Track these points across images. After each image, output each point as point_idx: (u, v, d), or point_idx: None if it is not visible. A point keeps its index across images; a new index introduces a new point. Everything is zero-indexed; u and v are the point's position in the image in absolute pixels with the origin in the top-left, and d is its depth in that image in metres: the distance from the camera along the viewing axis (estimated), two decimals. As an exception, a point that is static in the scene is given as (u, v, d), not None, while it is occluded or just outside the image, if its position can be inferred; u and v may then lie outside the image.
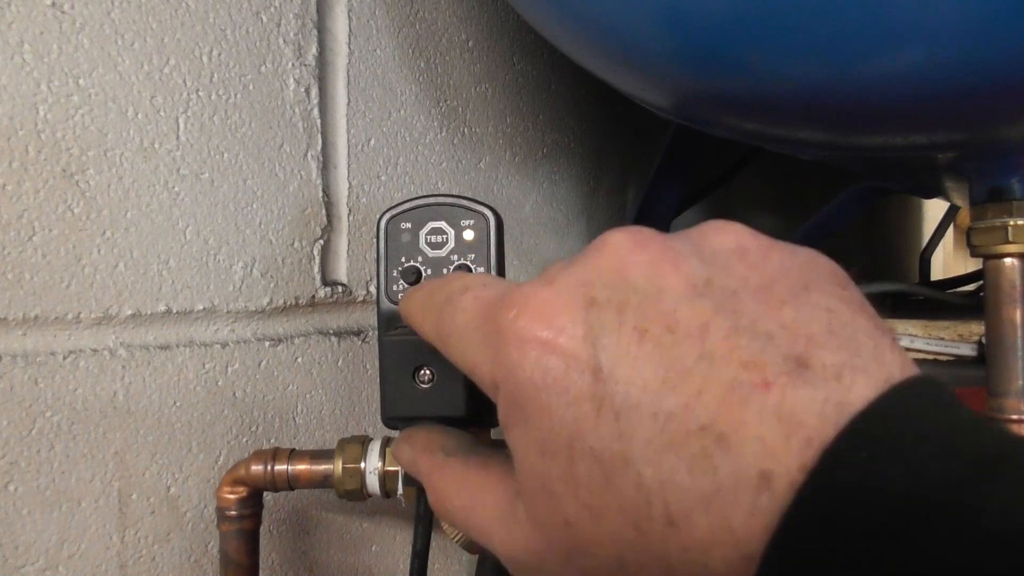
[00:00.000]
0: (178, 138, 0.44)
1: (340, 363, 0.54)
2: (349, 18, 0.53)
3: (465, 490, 0.24)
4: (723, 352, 0.18)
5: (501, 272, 0.36)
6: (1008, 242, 0.41)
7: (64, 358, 0.40)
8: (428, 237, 0.36)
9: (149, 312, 0.43)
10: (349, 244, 0.54)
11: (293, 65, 0.50)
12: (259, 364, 0.49)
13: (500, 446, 0.24)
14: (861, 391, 0.17)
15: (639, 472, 0.18)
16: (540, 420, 0.20)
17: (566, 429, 0.19)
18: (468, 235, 0.35)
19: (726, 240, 0.21)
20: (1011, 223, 0.41)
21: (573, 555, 0.20)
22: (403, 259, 0.35)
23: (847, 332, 0.18)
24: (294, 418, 0.51)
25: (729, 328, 0.18)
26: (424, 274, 0.35)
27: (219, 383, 0.47)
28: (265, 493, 0.43)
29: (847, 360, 0.18)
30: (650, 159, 0.73)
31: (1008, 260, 0.42)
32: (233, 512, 0.42)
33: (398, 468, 0.40)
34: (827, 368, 0.17)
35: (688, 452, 0.17)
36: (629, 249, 0.20)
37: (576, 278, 0.20)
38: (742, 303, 0.19)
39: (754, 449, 0.17)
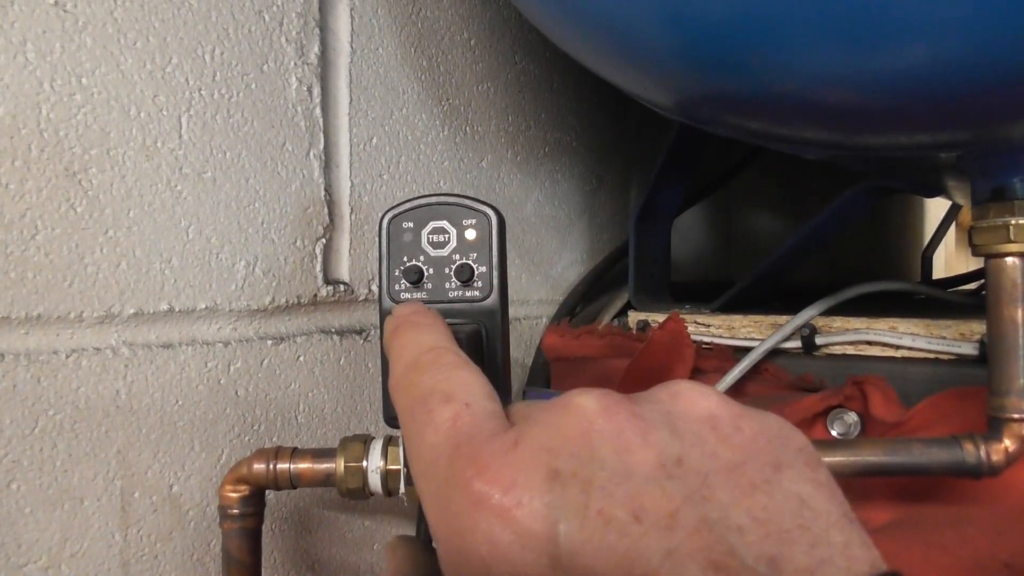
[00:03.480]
0: (180, 137, 0.44)
1: (342, 362, 0.54)
2: (351, 17, 0.53)
3: None
4: (690, 551, 0.17)
5: (503, 272, 0.36)
6: (1010, 241, 0.41)
7: (67, 357, 0.40)
8: (430, 236, 0.36)
9: (151, 311, 0.43)
10: (351, 243, 0.54)
11: (295, 64, 0.50)
12: (261, 363, 0.49)
13: None
14: None
15: None
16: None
17: None
18: (470, 234, 0.35)
19: (698, 408, 0.20)
20: (1013, 222, 0.41)
21: None
22: (405, 258, 0.35)
23: (819, 526, 0.18)
24: (296, 417, 0.51)
25: (698, 520, 0.17)
26: (426, 273, 0.35)
27: (221, 382, 0.47)
28: (267, 492, 0.43)
29: (819, 559, 0.17)
30: (653, 158, 0.73)
31: (1010, 259, 0.41)
32: (235, 510, 0.42)
33: (400, 467, 0.40)
34: (799, 570, 0.17)
35: None
36: (596, 415, 0.19)
37: (541, 443, 0.19)
38: (712, 489, 0.18)
39: None
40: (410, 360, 0.24)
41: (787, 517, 0.18)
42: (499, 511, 0.18)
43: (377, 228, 0.36)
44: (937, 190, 0.55)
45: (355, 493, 0.41)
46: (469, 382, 0.23)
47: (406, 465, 0.36)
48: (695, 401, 0.20)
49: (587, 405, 0.20)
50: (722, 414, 0.20)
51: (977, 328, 0.51)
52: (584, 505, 0.18)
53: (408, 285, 0.35)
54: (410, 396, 0.23)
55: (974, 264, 0.87)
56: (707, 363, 0.59)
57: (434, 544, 0.21)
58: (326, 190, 0.52)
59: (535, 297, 0.73)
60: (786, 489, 0.18)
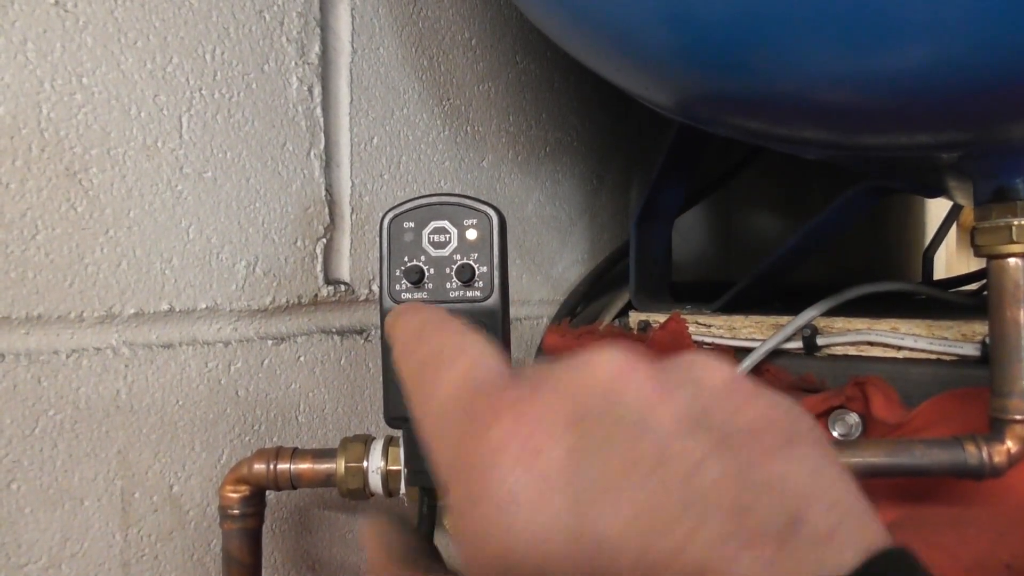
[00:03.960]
0: (181, 137, 0.44)
1: (343, 362, 0.54)
2: (352, 17, 0.53)
3: None
4: (715, 498, 0.17)
5: (503, 271, 0.36)
6: (1012, 242, 0.41)
7: (67, 357, 0.40)
8: (431, 236, 0.36)
9: (152, 311, 0.43)
10: (352, 243, 0.54)
11: (296, 64, 0.50)
12: (262, 363, 0.49)
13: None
14: (850, 556, 0.16)
15: None
16: (502, 539, 0.18)
17: (531, 559, 0.17)
18: (471, 234, 0.35)
19: (715, 377, 0.20)
20: (1015, 223, 0.41)
21: None
22: (406, 258, 0.35)
23: (834, 494, 0.18)
24: (297, 417, 0.51)
25: (720, 473, 0.17)
26: (427, 273, 0.35)
27: (222, 382, 0.47)
28: (268, 492, 0.43)
29: (835, 522, 0.17)
30: (653, 158, 0.73)
31: (1012, 260, 0.41)
32: (236, 511, 0.42)
33: (400, 467, 0.40)
34: (819, 529, 0.17)
35: None
36: (620, 371, 0.19)
37: (564, 389, 0.19)
38: (733, 448, 0.18)
39: None
40: (414, 331, 0.24)
41: (803, 482, 0.18)
42: (520, 458, 0.18)
43: (378, 228, 0.36)
44: (938, 190, 0.55)
45: (356, 493, 0.41)
46: (478, 340, 0.22)
47: (407, 465, 0.36)
48: (713, 369, 0.20)
49: (609, 359, 0.20)
50: (739, 387, 0.20)
51: (979, 329, 0.51)
52: (607, 452, 0.17)
53: (409, 285, 0.35)
54: (416, 359, 0.23)
55: (975, 265, 0.86)
56: (708, 363, 0.59)
57: (445, 503, 0.20)
58: (327, 190, 0.52)
59: (536, 297, 0.73)
60: (801, 457, 0.18)
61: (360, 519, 0.28)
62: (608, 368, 0.19)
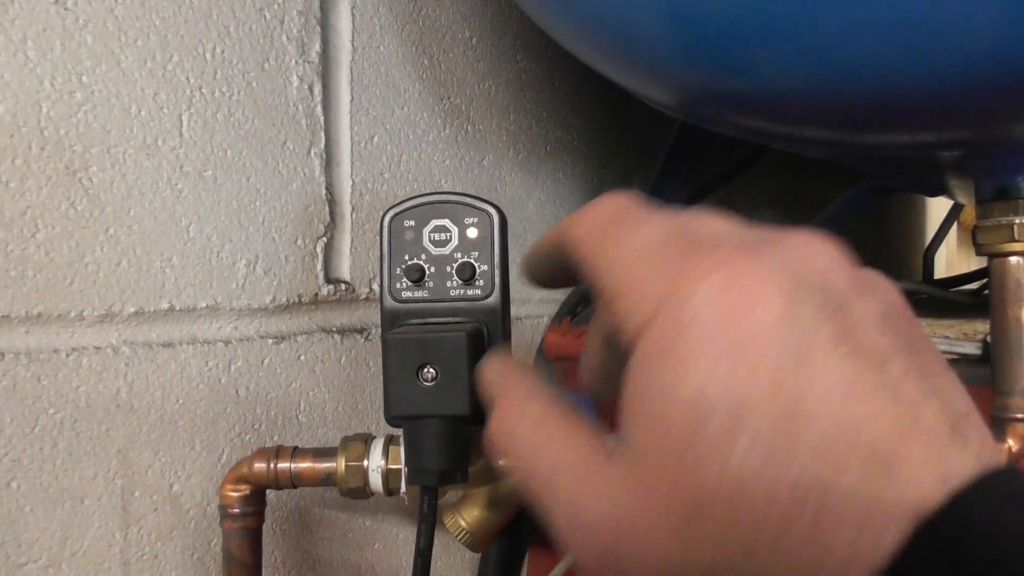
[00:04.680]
0: (181, 135, 0.44)
1: (343, 361, 0.54)
2: (352, 15, 0.53)
3: (574, 479, 0.21)
4: (902, 388, 0.18)
5: (505, 270, 0.36)
6: (1014, 240, 0.41)
7: (67, 356, 0.40)
8: (432, 235, 0.35)
9: (152, 309, 0.43)
10: (352, 242, 0.54)
11: (296, 62, 0.50)
12: (262, 362, 0.49)
13: None
14: (993, 461, 0.18)
15: (799, 474, 0.17)
16: (709, 370, 0.18)
17: (731, 395, 0.18)
18: (472, 233, 0.35)
19: (892, 293, 0.21)
20: (1017, 221, 0.41)
21: (692, 530, 0.18)
22: (407, 257, 0.35)
23: (975, 415, 0.19)
24: (297, 416, 0.51)
25: (905, 369, 0.19)
26: (428, 272, 0.35)
27: (222, 381, 0.47)
28: (268, 491, 0.43)
29: (982, 436, 0.19)
30: (654, 157, 0.73)
31: (1014, 259, 0.41)
32: (236, 510, 0.42)
33: (401, 466, 0.40)
34: (970, 440, 0.18)
35: (853, 472, 0.17)
36: (828, 256, 0.21)
37: (780, 260, 0.20)
38: (913, 352, 0.19)
39: (914, 490, 0.17)
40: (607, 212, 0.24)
41: (958, 398, 0.19)
42: (733, 311, 0.19)
43: (378, 227, 0.36)
44: (939, 189, 0.55)
45: (356, 492, 0.41)
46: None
47: (407, 464, 0.36)
48: (887, 287, 0.22)
49: (822, 247, 0.21)
50: (903, 308, 0.22)
51: (980, 327, 0.51)
52: (818, 323, 0.19)
53: (409, 284, 0.35)
54: (602, 219, 0.23)
55: (976, 264, 0.86)
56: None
57: (624, 327, 0.20)
58: (327, 188, 0.52)
59: (536, 296, 0.72)
60: (952, 380, 0.20)
61: (484, 362, 0.27)
62: (816, 249, 0.20)
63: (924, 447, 0.18)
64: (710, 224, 0.22)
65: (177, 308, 0.44)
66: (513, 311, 0.69)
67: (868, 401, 0.18)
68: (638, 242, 0.21)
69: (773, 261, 0.19)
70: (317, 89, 0.51)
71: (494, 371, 0.26)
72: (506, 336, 0.36)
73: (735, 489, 0.18)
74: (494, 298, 0.35)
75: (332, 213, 0.52)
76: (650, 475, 0.19)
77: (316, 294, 0.51)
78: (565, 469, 0.21)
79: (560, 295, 0.75)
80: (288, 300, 0.50)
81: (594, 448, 0.21)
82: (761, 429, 0.18)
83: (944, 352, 0.52)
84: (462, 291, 0.35)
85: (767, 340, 0.18)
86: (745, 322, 0.18)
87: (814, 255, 0.20)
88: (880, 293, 0.21)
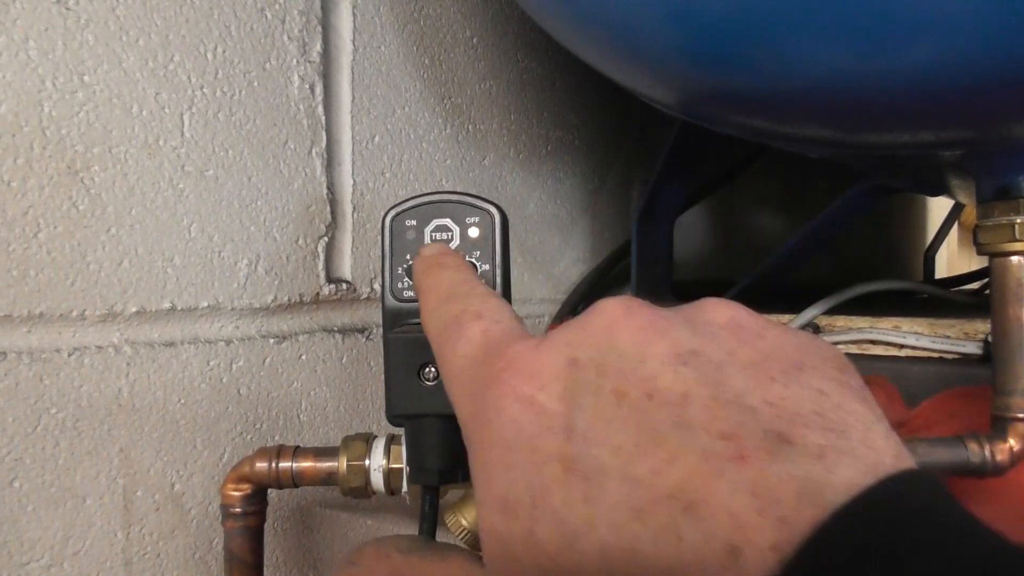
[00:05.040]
0: (183, 135, 0.44)
1: (344, 360, 0.54)
2: (353, 15, 0.53)
3: None
4: (701, 421, 0.17)
5: (506, 270, 0.36)
6: (1015, 240, 0.41)
7: (69, 355, 0.40)
8: (433, 235, 0.35)
9: (154, 309, 0.43)
10: (353, 241, 0.54)
11: (298, 62, 0.50)
12: (263, 361, 0.49)
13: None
14: (845, 474, 0.16)
15: (602, 539, 0.17)
16: (507, 476, 0.19)
17: (531, 488, 0.18)
18: (473, 232, 0.35)
19: (720, 315, 0.21)
20: (1018, 221, 0.41)
21: None
22: (408, 256, 0.35)
23: (837, 415, 0.18)
24: (298, 415, 0.51)
25: (710, 398, 0.18)
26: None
27: (223, 380, 0.47)
28: (269, 490, 0.43)
29: (832, 442, 0.17)
30: (655, 156, 0.73)
31: (1015, 258, 0.41)
32: (237, 509, 0.42)
33: (402, 465, 0.40)
34: (809, 447, 0.17)
35: (655, 520, 0.16)
36: (619, 315, 0.20)
37: (565, 339, 0.20)
38: (728, 376, 0.18)
39: (723, 521, 0.16)
40: (443, 293, 0.26)
41: (804, 404, 0.18)
42: (523, 397, 0.20)
43: (380, 226, 0.36)
44: (940, 189, 0.55)
45: (357, 492, 0.41)
46: (499, 306, 0.25)
47: (409, 464, 0.36)
48: (718, 309, 0.21)
49: (611, 306, 0.21)
50: (747, 322, 0.21)
51: (981, 327, 0.51)
52: (600, 385, 0.19)
53: (411, 283, 0.35)
54: (443, 319, 0.25)
55: (976, 263, 0.86)
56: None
57: (464, 437, 0.22)
58: (328, 188, 0.52)
59: (537, 296, 0.72)
60: (806, 383, 0.18)
61: (351, 556, 0.29)
62: (607, 315, 0.20)
63: (730, 483, 0.16)
64: (504, 330, 0.23)
65: (179, 308, 0.44)
66: (515, 310, 0.69)
67: (657, 451, 0.17)
68: (456, 359, 0.23)
69: (553, 346, 0.20)
70: (318, 89, 0.51)
71: (375, 567, 0.28)
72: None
73: None
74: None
75: (333, 212, 0.52)
76: None
77: (317, 293, 0.51)
78: None
79: (561, 295, 0.75)
80: (289, 300, 0.50)
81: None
82: (558, 514, 0.18)
83: (945, 352, 0.52)
84: (463, 290, 0.35)
85: (550, 426, 0.19)
86: (532, 416, 0.19)
87: (598, 320, 0.20)
88: (696, 324, 0.20)
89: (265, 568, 0.44)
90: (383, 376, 0.34)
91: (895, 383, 0.51)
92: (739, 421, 0.17)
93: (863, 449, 0.17)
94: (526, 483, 0.19)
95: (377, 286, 0.55)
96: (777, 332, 0.20)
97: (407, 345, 0.32)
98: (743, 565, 0.15)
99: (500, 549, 0.19)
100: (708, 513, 0.16)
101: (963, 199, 0.55)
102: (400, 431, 0.39)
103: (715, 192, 0.85)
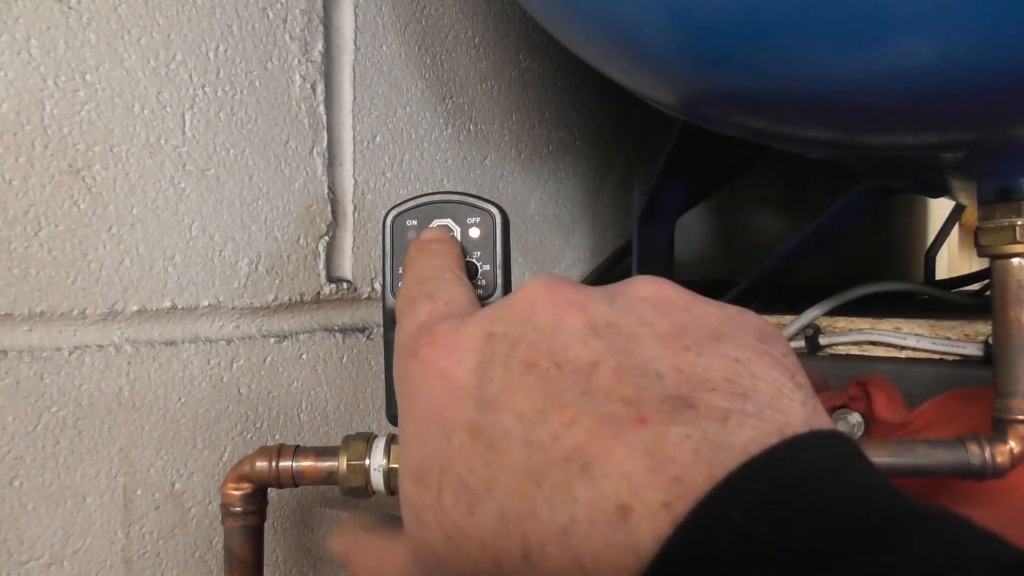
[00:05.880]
0: (184, 134, 0.44)
1: (345, 360, 0.54)
2: (355, 14, 0.53)
3: (374, 559, 0.24)
4: (605, 388, 0.17)
5: (507, 270, 0.36)
6: (1016, 242, 0.41)
7: (69, 354, 0.40)
8: (434, 234, 0.35)
9: (154, 308, 0.43)
10: (354, 241, 0.54)
11: (299, 61, 0.50)
12: (264, 360, 0.49)
13: None
14: (747, 434, 0.16)
15: (502, 502, 0.17)
16: (420, 446, 0.20)
17: (440, 456, 0.19)
18: (474, 233, 0.35)
19: (644, 289, 0.21)
20: (1019, 223, 0.41)
21: None
22: (409, 256, 0.35)
23: (748, 381, 0.17)
24: (298, 415, 0.51)
25: (616, 366, 0.18)
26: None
27: (224, 379, 0.47)
28: (269, 489, 0.43)
29: (738, 405, 0.17)
30: (656, 157, 0.73)
31: (1016, 260, 0.41)
32: (238, 508, 0.42)
33: (403, 465, 0.40)
34: (712, 410, 0.17)
35: (550, 482, 0.17)
36: (540, 291, 0.20)
37: (488, 316, 0.21)
38: (640, 346, 0.18)
39: (616, 482, 0.16)
40: (416, 276, 0.27)
41: (714, 371, 0.18)
42: (438, 370, 0.20)
43: (380, 226, 0.36)
44: (941, 190, 0.55)
45: (357, 491, 0.41)
46: (456, 291, 0.25)
47: None
48: (642, 284, 0.21)
49: (534, 283, 0.21)
50: (671, 296, 0.21)
51: (982, 329, 0.51)
52: (510, 356, 0.19)
53: (412, 283, 0.35)
54: (403, 300, 0.25)
55: (977, 265, 0.86)
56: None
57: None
58: (329, 188, 0.52)
59: (538, 296, 0.72)
60: (721, 352, 0.18)
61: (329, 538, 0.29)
62: (528, 291, 0.21)
63: (627, 444, 0.16)
64: (445, 312, 0.24)
65: (179, 307, 0.44)
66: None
67: (557, 416, 0.17)
68: (400, 339, 0.24)
69: (474, 323, 0.21)
70: (320, 88, 0.51)
71: (338, 544, 0.28)
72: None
73: (454, 546, 0.18)
74: (496, 298, 0.35)
75: (334, 212, 0.52)
76: (412, 549, 0.20)
77: (318, 293, 0.51)
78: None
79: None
80: (290, 299, 0.50)
81: (406, 549, 0.23)
82: (463, 480, 0.18)
83: (946, 353, 0.52)
84: (464, 291, 0.35)
85: (468, 394, 0.19)
86: (447, 388, 0.20)
87: (519, 298, 0.21)
88: (616, 298, 0.20)
89: (265, 567, 0.44)
90: (383, 376, 0.34)
91: (896, 384, 0.51)
92: (643, 386, 0.17)
93: (770, 412, 0.17)
94: (436, 452, 0.19)
95: (378, 286, 0.55)
96: (702, 305, 0.20)
97: (408, 345, 0.32)
98: (633, 523, 0.15)
99: (413, 517, 0.20)
100: (601, 473, 0.16)
101: (964, 200, 0.55)
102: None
103: (716, 192, 0.85)
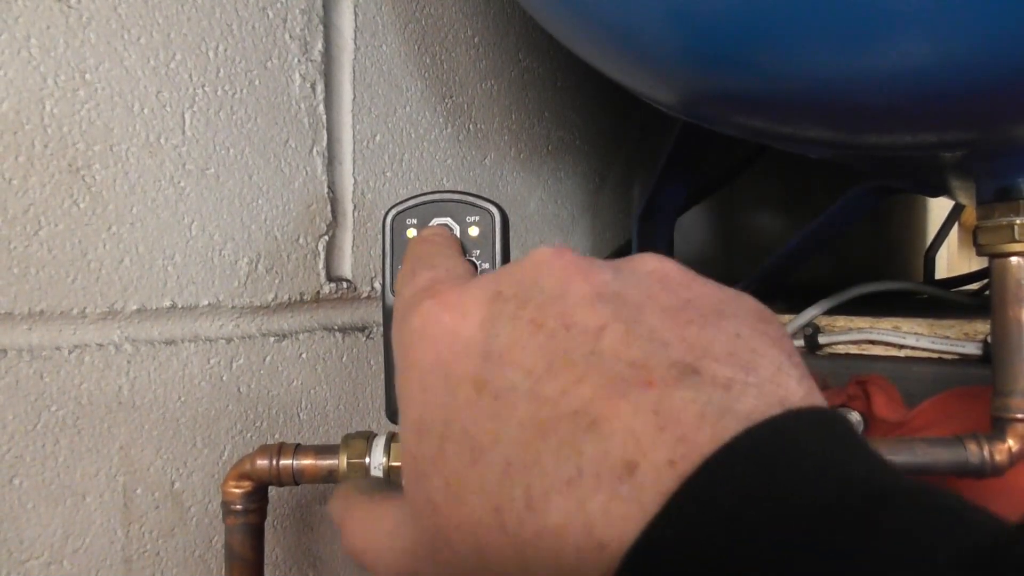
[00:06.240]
0: (184, 133, 0.44)
1: (344, 359, 0.54)
2: (355, 14, 0.53)
3: (366, 521, 0.24)
4: (613, 350, 0.18)
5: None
6: (1015, 241, 0.41)
7: (69, 353, 0.40)
8: (434, 233, 0.35)
9: (154, 307, 0.43)
10: (354, 240, 0.54)
11: (299, 60, 0.50)
12: (264, 359, 0.49)
13: None
14: (750, 403, 0.17)
15: (507, 453, 0.18)
16: (422, 398, 0.20)
17: (444, 408, 0.19)
18: (473, 232, 0.35)
19: (649, 264, 0.21)
20: (1018, 222, 0.41)
21: (437, 545, 0.19)
22: (409, 255, 0.35)
23: (749, 356, 0.18)
24: (298, 414, 0.51)
25: (624, 332, 0.18)
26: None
27: (224, 378, 0.47)
28: (270, 488, 0.43)
29: (740, 376, 0.17)
30: (656, 156, 0.73)
31: (1015, 259, 0.41)
32: (238, 506, 0.42)
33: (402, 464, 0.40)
34: (717, 378, 0.17)
35: (557, 436, 0.17)
36: (547, 258, 0.21)
37: (493, 278, 0.21)
38: (645, 315, 0.19)
39: (623, 439, 0.16)
40: (415, 260, 0.27)
41: (717, 345, 0.18)
42: (442, 323, 0.20)
43: (380, 225, 0.36)
44: (941, 190, 0.55)
45: (357, 490, 0.41)
46: (457, 262, 0.26)
47: None
48: (647, 260, 0.21)
49: (541, 251, 0.21)
50: (673, 274, 0.21)
51: (981, 328, 0.51)
52: (518, 315, 0.19)
53: (411, 282, 0.35)
54: (403, 273, 0.25)
55: (976, 264, 0.86)
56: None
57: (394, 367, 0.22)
58: (329, 187, 0.52)
59: (537, 295, 0.72)
60: (723, 327, 0.19)
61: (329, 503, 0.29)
62: (536, 256, 0.21)
63: (634, 403, 0.17)
64: (444, 277, 0.24)
65: (179, 306, 0.44)
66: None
67: (565, 373, 0.18)
68: (401, 301, 0.23)
69: (479, 283, 0.21)
70: (319, 87, 0.51)
71: (333, 507, 0.28)
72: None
73: (453, 495, 0.18)
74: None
75: (334, 211, 0.53)
76: (410, 502, 0.21)
77: (318, 292, 0.52)
78: (381, 542, 0.23)
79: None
80: (290, 298, 0.50)
81: (400, 510, 0.22)
82: (467, 431, 0.18)
83: (945, 352, 0.52)
84: (464, 290, 0.35)
85: (467, 350, 0.19)
86: (451, 345, 0.20)
87: (526, 263, 0.21)
88: (622, 270, 0.21)
89: (265, 566, 0.44)
90: (383, 375, 0.34)
91: (895, 383, 0.51)
92: (650, 351, 0.18)
93: (770, 386, 0.17)
94: (440, 404, 0.19)
95: (377, 285, 0.55)
96: (704, 284, 0.21)
97: (407, 344, 0.32)
98: (639, 477, 0.16)
99: (412, 468, 0.20)
100: (609, 430, 0.16)
101: (963, 200, 0.55)
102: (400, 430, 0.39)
103: (716, 192, 0.85)
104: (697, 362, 0.17)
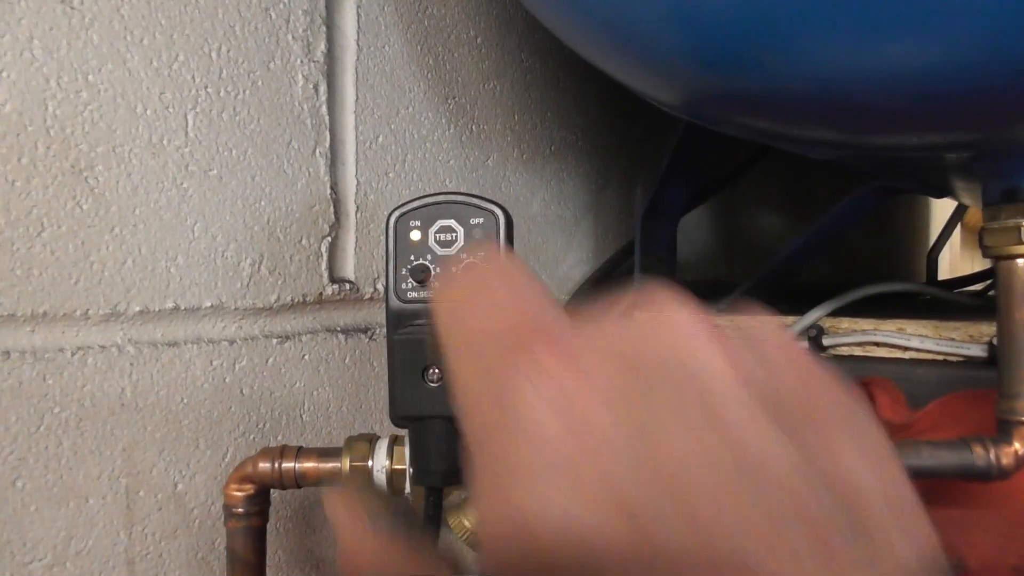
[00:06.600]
0: (187, 135, 0.44)
1: (347, 361, 0.54)
2: (358, 14, 0.53)
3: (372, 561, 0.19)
4: (782, 497, 0.15)
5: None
6: (1021, 243, 0.41)
7: (72, 354, 0.40)
8: (437, 235, 0.35)
9: (157, 309, 0.43)
10: (357, 241, 0.54)
11: (302, 61, 0.50)
12: (266, 361, 0.49)
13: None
14: (904, 553, 0.15)
15: None
16: (527, 490, 0.15)
17: (558, 514, 0.15)
18: (477, 233, 0.35)
19: (774, 342, 0.18)
20: (1024, 224, 0.40)
21: None
22: (412, 257, 0.35)
23: (892, 491, 0.16)
24: (301, 415, 0.51)
25: (789, 464, 0.15)
26: (433, 272, 0.35)
27: (226, 380, 0.47)
28: (272, 490, 0.43)
29: (894, 523, 0.15)
30: (659, 157, 0.73)
31: (1021, 261, 0.41)
32: (240, 509, 0.42)
33: (405, 466, 0.40)
34: (880, 530, 0.15)
35: None
36: (684, 326, 0.17)
37: (622, 333, 0.16)
38: (799, 435, 0.16)
39: None
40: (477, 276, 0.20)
41: (867, 478, 0.16)
42: (559, 385, 0.15)
43: (384, 227, 0.36)
44: (945, 191, 0.55)
45: (360, 492, 0.41)
46: (537, 286, 0.19)
47: (412, 464, 0.36)
48: (771, 331, 0.18)
49: (676, 312, 0.17)
50: (798, 354, 0.18)
51: (986, 330, 0.51)
52: (647, 397, 0.15)
53: (415, 284, 0.35)
54: (459, 287, 0.19)
55: (979, 265, 0.86)
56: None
57: (460, 420, 0.17)
58: (332, 188, 0.52)
59: (540, 296, 0.72)
60: (865, 448, 0.16)
61: (325, 491, 0.24)
62: (675, 322, 0.17)
63: (808, 564, 0.14)
64: (544, 307, 0.18)
65: (182, 307, 0.44)
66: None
67: (740, 529, 0.14)
68: (474, 322, 0.18)
69: (609, 336, 0.16)
70: (322, 89, 0.51)
71: (334, 511, 0.23)
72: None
73: None
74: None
75: (337, 213, 0.52)
76: None
77: (321, 294, 0.51)
78: None
79: (565, 295, 0.75)
80: (293, 300, 0.50)
81: None
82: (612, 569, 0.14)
83: (949, 354, 0.52)
84: (468, 292, 0.35)
85: (594, 439, 0.15)
86: (568, 427, 0.15)
87: (662, 327, 0.17)
88: (752, 348, 0.17)
89: (267, 568, 0.44)
90: (386, 377, 0.34)
91: (899, 386, 0.51)
92: (818, 498, 0.15)
93: (915, 528, 0.16)
94: (564, 511, 0.15)
95: (380, 286, 0.55)
96: (821, 373, 0.18)
97: (411, 347, 0.32)
98: None
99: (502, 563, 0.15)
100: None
101: (968, 201, 0.55)
102: (403, 432, 0.39)
103: (719, 193, 0.84)
104: (862, 510, 0.15)
